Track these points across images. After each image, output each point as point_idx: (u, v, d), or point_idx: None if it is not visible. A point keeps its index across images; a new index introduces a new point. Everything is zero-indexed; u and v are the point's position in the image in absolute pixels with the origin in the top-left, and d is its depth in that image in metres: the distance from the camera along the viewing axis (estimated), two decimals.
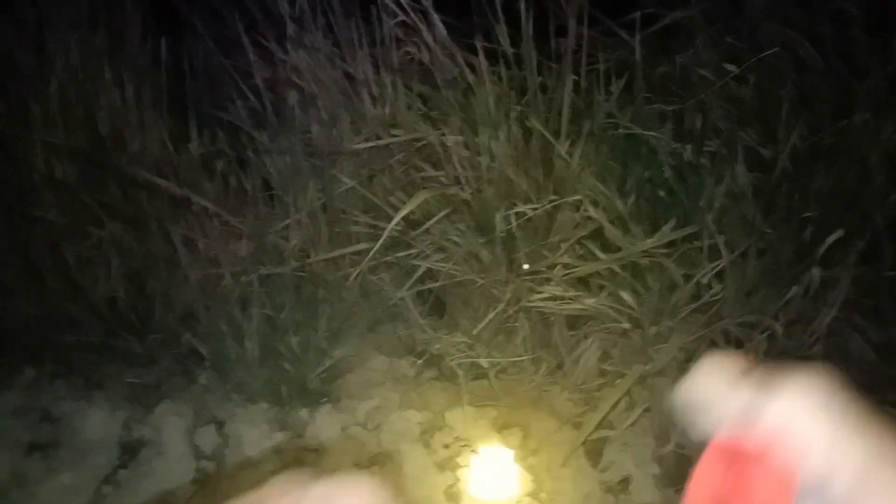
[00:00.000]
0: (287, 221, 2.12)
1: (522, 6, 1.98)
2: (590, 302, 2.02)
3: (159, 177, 2.11)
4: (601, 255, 2.03)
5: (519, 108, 2.06)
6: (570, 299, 2.03)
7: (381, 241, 1.96)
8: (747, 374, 0.29)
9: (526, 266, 2.02)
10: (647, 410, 1.99)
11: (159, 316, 2.13)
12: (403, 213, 1.96)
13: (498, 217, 1.99)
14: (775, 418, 0.27)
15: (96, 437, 2.00)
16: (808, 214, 1.96)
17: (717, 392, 0.29)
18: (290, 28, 2.14)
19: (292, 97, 2.17)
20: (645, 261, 1.99)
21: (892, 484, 0.25)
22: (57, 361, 2.14)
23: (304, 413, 2.07)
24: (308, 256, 2.11)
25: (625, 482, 1.94)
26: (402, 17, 2.10)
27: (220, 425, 2.04)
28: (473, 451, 1.99)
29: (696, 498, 0.30)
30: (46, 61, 2.14)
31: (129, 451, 1.97)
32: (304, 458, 1.95)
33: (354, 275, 2.08)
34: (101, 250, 2.14)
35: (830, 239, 1.89)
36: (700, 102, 2.10)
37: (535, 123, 2.03)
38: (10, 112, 2.16)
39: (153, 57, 2.22)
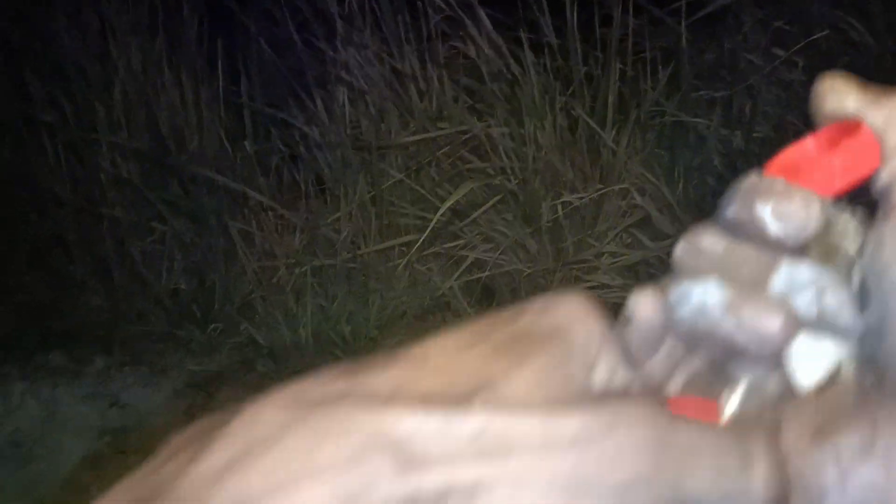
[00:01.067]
0: (338, 214, 2.18)
1: None
2: None
3: (217, 173, 2.20)
4: (649, 244, 2.03)
5: (564, 98, 2.08)
6: (618, 288, 2.04)
7: (427, 231, 2.00)
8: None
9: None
10: None
11: (219, 307, 2.22)
12: (449, 203, 2.00)
13: (544, 207, 2.01)
14: (878, 117, 0.28)
15: (161, 422, 2.10)
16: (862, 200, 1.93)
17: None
18: (340, 27, 2.21)
19: (342, 93, 2.23)
20: None
21: None
22: (125, 351, 2.25)
23: None
24: (359, 248, 2.17)
25: None
26: (447, 11, 2.14)
27: None
28: None
29: (774, 162, 0.29)
30: (110, 66, 2.26)
31: None
32: None
33: (403, 265, 2.13)
34: (165, 245, 2.24)
35: None
36: (749, 88, 2.08)
37: (581, 113, 2.04)
38: (78, 115, 2.28)
39: (209, 59, 2.32)
